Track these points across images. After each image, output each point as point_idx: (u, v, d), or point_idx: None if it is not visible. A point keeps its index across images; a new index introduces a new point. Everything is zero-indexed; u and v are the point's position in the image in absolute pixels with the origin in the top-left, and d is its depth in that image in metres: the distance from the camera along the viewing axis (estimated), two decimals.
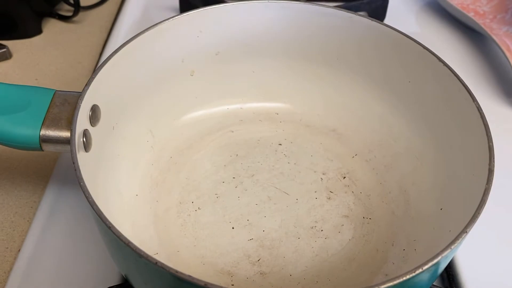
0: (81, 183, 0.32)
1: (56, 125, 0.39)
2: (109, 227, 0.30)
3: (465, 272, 0.46)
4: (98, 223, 0.33)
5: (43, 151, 0.40)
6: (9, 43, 0.71)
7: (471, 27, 0.74)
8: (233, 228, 0.46)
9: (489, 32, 0.69)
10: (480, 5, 0.78)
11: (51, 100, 0.40)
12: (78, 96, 0.39)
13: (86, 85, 0.39)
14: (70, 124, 0.38)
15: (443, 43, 0.74)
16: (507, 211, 0.51)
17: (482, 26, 0.70)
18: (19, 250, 0.47)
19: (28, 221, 0.51)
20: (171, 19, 0.48)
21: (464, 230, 0.31)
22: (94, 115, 0.41)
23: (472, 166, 0.39)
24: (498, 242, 0.49)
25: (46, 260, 0.46)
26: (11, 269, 0.46)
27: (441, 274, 0.47)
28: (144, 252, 0.29)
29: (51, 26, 0.76)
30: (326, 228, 0.46)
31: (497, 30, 0.72)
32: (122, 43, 0.44)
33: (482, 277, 0.46)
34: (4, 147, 0.45)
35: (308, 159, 0.52)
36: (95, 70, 0.41)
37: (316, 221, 0.47)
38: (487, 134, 0.37)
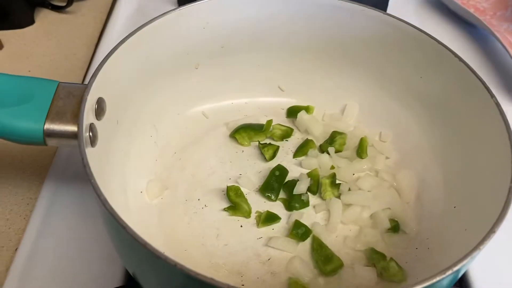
0: (92, 181, 0.31)
1: (61, 118, 0.37)
2: (124, 227, 0.29)
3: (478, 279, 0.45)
4: (109, 222, 0.31)
5: (46, 145, 0.37)
6: (0, 34, 0.68)
7: (472, 22, 0.74)
8: (241, 226, 0.45)
9: (491, 28, 0.69)
10: (480, 2, 0.78)
11: (55, 92, 0.38)
12: (83, 89, 0.37)
13: (92, 76, 0.37)
14: (75, 117, 0.36)
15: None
16: None
17: (484, 22, 0.70)
18: (16, 249, 0.45)
19: (24, 218, 0.49)
20: (177, 9, 0.46)
21: (492, 230, 0.30)
22: (100, 108, 0.39)
23: (490, 165, 0.38)
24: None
25: (45, 260, 0.44)
26: (8, 269, 0.44)
27: None
28: (162, 254, 0.27)
29: (44, 17, 0.73)
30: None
31: (498, 27, 0.72)
32: (126, 35, 0.42)
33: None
34: None
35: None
36: (101, 62, 0.39)
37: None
38: (508, 132, 0.36)
